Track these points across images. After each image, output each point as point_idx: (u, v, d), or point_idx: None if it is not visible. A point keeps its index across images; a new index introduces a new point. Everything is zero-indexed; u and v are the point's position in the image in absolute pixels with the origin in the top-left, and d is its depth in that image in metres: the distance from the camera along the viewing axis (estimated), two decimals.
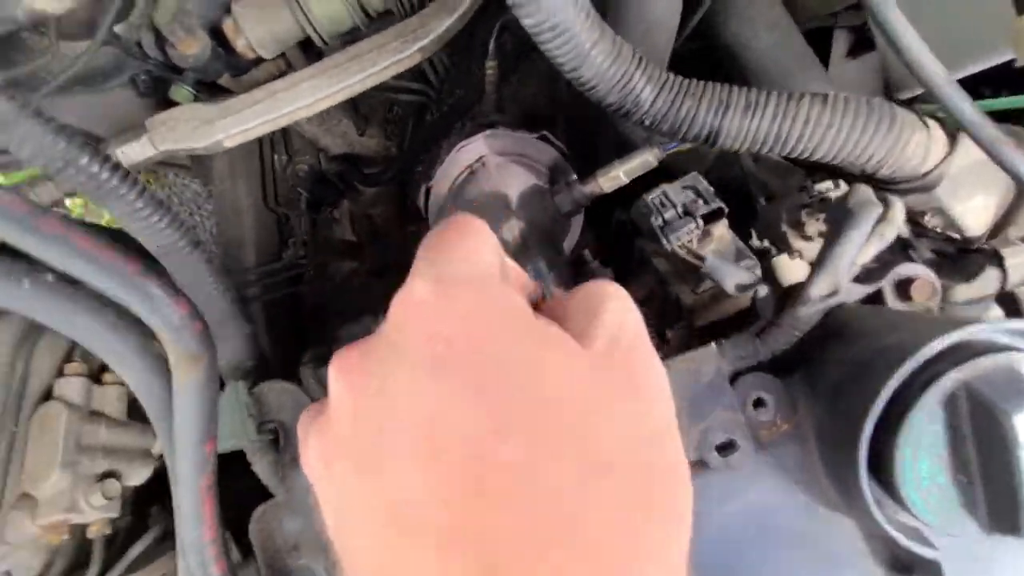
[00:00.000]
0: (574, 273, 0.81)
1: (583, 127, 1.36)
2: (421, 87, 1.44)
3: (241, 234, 1.20)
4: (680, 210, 0.52)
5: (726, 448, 0.40)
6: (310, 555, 0.42)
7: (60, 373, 0.68)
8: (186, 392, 0.37)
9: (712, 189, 0.55)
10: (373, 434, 0.25)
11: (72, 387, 0.68)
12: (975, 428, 0.33)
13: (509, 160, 0.81)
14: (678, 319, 0.55)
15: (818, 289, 0.43)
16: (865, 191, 0.45)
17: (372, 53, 0.90)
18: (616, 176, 0.73)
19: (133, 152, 0.88)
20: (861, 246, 0.43)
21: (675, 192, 0.54)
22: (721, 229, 0.53)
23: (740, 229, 0.68)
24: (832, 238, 0.43)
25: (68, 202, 2.27)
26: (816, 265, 0.44)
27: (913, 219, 0.58)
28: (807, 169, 0.70)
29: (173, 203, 2.06)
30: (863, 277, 0.50)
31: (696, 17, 0.69)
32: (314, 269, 1.72)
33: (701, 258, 0.46)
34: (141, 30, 0.92)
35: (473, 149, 0.80)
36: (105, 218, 2.21)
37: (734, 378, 0.42)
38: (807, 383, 0.42)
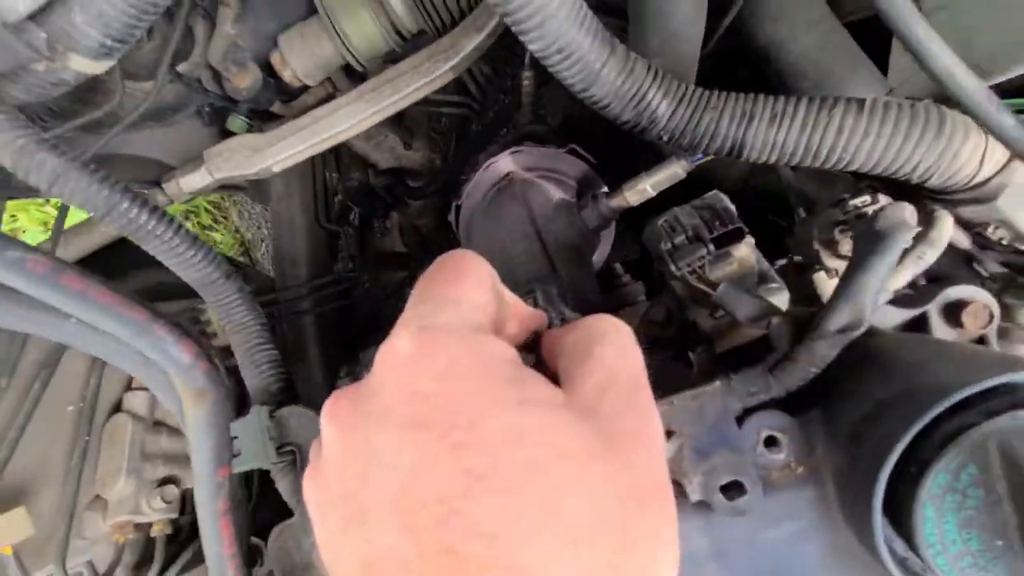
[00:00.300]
0: (604, 288, 0.80)
1: (625, 135, 1.33)
2: (463, 99, 1.47)
3: (295, 250, 1.28)
4: (690, 234, 0.49)
5: (732, 490, 0.37)
6: (323, 574, 0.45)
7: (128, 387, 0.76)
8: (196, 424, 0.40)
9: (733, 208, 0.52)
10: (358, 485, 0.26)
11: (138, 400, 0.75)
12: (1012, 488, 0.29)
13: (536, 176, 0.81)
14: (699, 342, 0.52)
15: (836, 322, 0.39)
16: (897, 211, 0.41)
17: (406, 75, 0.92)
18: (643, 189, 0.71)
19: (193, 181, 0.96)
20: (887, 275, 0.39)
21: (685, 215, 0.51)
22: (744, 250, 0.50)
23: (778, 242, 0.64)
24: (855, 264, 0.39)
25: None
26: (835, 294, 0.40)
27: (976, 230, 0.52)
28: (854, 176, 0.65)
29: (243, 216, 2.22)
30: (905, 300, 0.45)
31: (727, 20, 0.65)
32: (368, 281, 1.80)
33: (714, 285, 0.44)
34: (200, 68, 1.00)
35: (500, 167, 0.81)
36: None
37: (747, 414, 0.39)
38: (827, 421, 0.39)
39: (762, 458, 0.38)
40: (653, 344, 0.55)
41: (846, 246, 0.48)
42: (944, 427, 0.31)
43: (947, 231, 0.45)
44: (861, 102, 0.48)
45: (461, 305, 0.30)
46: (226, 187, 1.35)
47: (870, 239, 0.39)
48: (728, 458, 0.37)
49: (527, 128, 1.18)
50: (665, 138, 0.55)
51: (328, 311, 1.26)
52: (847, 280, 0.39)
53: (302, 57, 0.98)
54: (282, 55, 0.97)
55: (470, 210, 0.83)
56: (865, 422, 0.36)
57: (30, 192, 1.10)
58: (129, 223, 0.44)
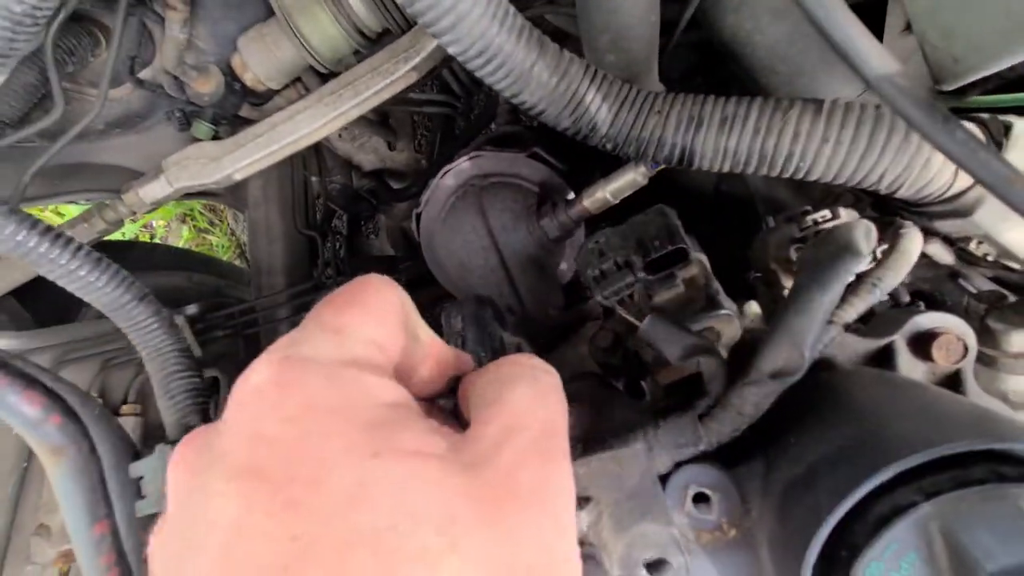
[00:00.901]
0: (570, 301, 0.75)
1: None
2: (445, 99, 1.42)
3: (272, 258, 1.25)
4: (619, 260, 0.45)
5: (656, 567, 0.33)
6: None
7: None
8: (58, 483, 0.37)
9: (677, 224, 0.47)
10: (182, 541, 0.23)
11: None
12: None
13: (495, 181, 0.76)
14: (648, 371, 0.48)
15: (770, 364, 0.34)
16: (844, 233, 0.36)
17: (365, 77, 0.88)
18: (602, 197, 0.66)
19: (153, 191, 0.93)
20: (828, 310, 0.34)
21: (618, 236, 0.46)
22: (693, 270, 0.45)
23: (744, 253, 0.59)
24: (794, 297, 0.34)
25: (154, 223, 2.49)
26: (770, 331, 0.35)
27: (959, 245, 0.46)
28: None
29: (239, 220, 2.21)
30: (871, 328, 0.40)
31: (687, 13, 0.59)
32: None
33: (642, 316, 0.39)
34: (162, 74, 0.97)
35: (459, 172, 0.77)
36: (184, 237, 2.42)
37: (676, 467, 0.34)
38: (765, 475, 0.34)
39: (690, 518, 0.33)
40: (604, 370, 0.51)
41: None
42: (878, 506, 0.26)
43: (911, 253, 0.39)
44: (819, 104, 0.43)
45: (343, 336, 0.26)
46: (199, 194, 1.32)
47: (812, 268, 0.34)
48: (650, 530, 0.32)
49: (503, 129, 1.13)
50: (609, 146, 0.50)
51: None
52: (783, 317, 0.34)
53: (263, 60, 0.94)
54: (242, 58, 0.94)
55: (430, 219, 0.79)
56: (798, 486, 0.31)
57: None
58: (17, 246, 0.41)
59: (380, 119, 1.53)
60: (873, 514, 0.26)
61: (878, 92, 0.33)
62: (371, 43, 0.94)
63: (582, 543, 0.34)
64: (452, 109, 1.45)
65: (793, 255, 0.45)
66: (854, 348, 0.39)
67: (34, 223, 0.43)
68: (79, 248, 0.45)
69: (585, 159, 0.85)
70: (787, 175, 0.45)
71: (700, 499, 0.34)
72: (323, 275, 1.29)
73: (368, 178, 1.55)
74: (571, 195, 0.78)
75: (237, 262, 2.25)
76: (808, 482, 0.30)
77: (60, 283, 0.45)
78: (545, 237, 0.73)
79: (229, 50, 0.97)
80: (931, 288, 0.49)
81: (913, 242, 0.40)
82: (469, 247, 0.72)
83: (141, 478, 0.44)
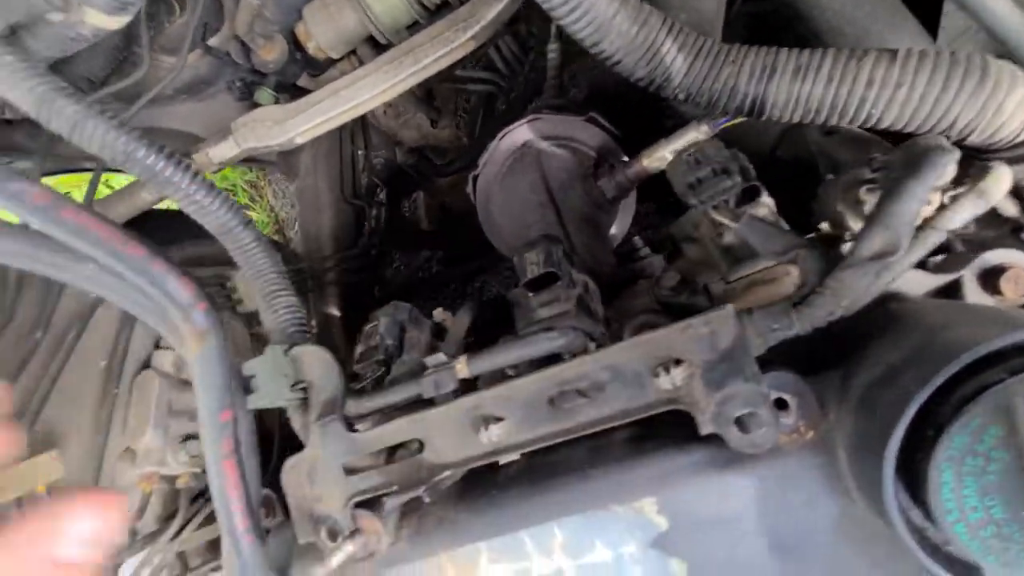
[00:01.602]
0: (621, 261, 0.78)
1: (653, 106, 1.29)
2: (490, 76, 1.45)
3: (321, 225, 1.30)
4: (716, 167, 0.46)
5: (747, 422, 0.35)
6: (330, 504, 0.46)
7: (157, 346, 0.79)
8: (198, 364, 0.41)
9: (751, 168, 0.49)
10: None
11: (166, 358, 0.78)
12: None
13: (554, 144, 0.79)
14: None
15: (869, 247, 0.36)
16: (933, 137, 0.37)
17: (425, 46, 0.91)
18: (662, 156, 0.68)
19: (221, 151, 0.98)
20: (923, 197, 0.35)
21: (711, 148, 0.48)
22: (763, 211, 0.47)
23: (805, 219, 0.61)
24: (890, 189, 0.36)
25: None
26: (869, 220, 0.37)
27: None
28: (890, 138, 0.61)
29: (279, 196, 2.27)
30: (938, 265, 0.41)
31: None
32: (398, 258, 1.82)
33: (736, 218, 0.41)
34: (230, 41, 1.02)
35: (517, 135, 0.79)
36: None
37: (764, 366, 0.36)
38: (841, 385, 0.36)
39: None
40: (667, 311, 0.53)
41: (872, 206, 0.45)
42: (964, 386, 0.28)
43: (1002, 183, 0.40)
44: (893, 52, 0.45)
45: None
46: (256, 160, 1.38)
47: (905, 164, 0.35)
48: (743, 389, 0.35)
49: (552, 102, 1.16)
50: (681, 96, 0.52)
51: (353, 282, 1.28)
52: (881, 205, 0.36)
53: (326, 29, 0.98)
54: (306, 26, 0.98)
55: (487, 180, 0.82)
56: (878, 385, 0.33)
57: (71, 164, 1.15)
58: (146, 170, 0.46)
59: (424, 96, 1.56)
60: (957, 396, 0.29)
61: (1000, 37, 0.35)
62: (429, 13, 0.97)
63: (677, 399, 0.37)
64: (495, 87, 1.48)
65: (864, 196, 0.46)
66: (922, 283, 0.41)
67: (161, 148, 0.48)
68: (196, 174, 0.49)
69: (632, 133, 0.88)
70: (858, 123, 0.47)
71: (778, 406, 0.37)
72: (371, 243, 1.33)
73: (411, 154, 1.59)
74: (624, 159, 0.80)
75: (276, 237, 2.31)
76: (889, 379, 0.32)
77: (179, 205, 0.50)
78: (601, 197, 0.75)
79: (293, 19, 1.01)
80: (991, 241, 0.51)
81: (1003, 173, 0.41)
82: (527, 204, 0.75)
83: (252, 376, 0.49)
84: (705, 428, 0.36)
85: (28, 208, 0.35)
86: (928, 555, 0.31)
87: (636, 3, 0.48)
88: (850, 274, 0.36)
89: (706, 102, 0.52)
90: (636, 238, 0.79)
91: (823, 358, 0.39)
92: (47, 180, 1.11)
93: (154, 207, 1.07)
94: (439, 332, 0.62)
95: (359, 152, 1.49)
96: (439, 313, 0.62)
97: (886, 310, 0.38)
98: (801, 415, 0.36)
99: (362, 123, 1.53)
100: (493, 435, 0.39)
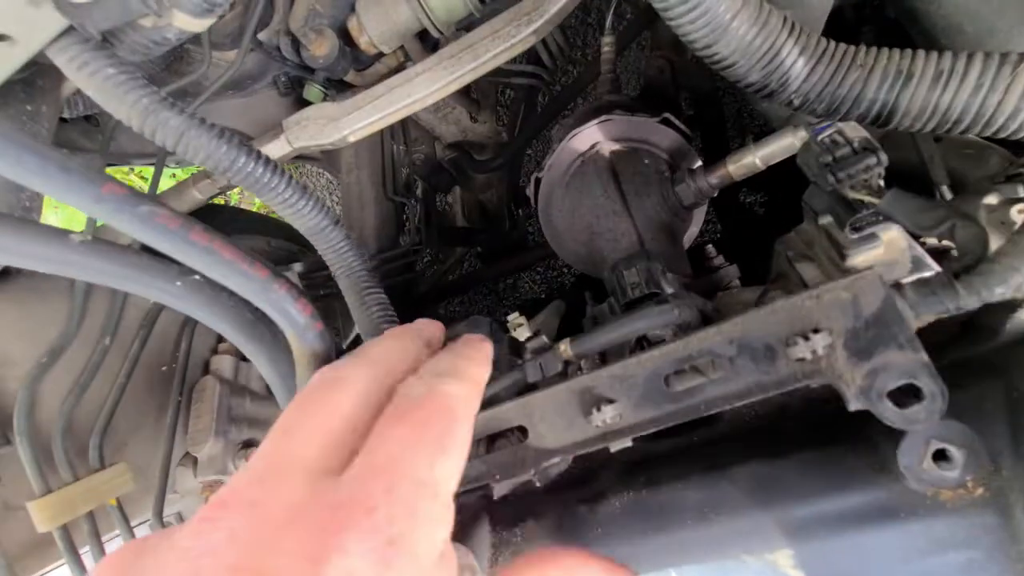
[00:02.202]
0: (695, 270, 0.74)
1: (709, 103, 1.24)
2: (534, 69, 1.41)
3: (364, 222, 1.28)
4: (856, 146, 0.42)
5: (904, 396, 0.31)
6: None
7: (214, 350, 0.78)
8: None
9: (868, 136, 0.45)
10: None
11: (224, 363, 0.77)
12: None
13: (626, 147, 0.75)
14: None
15: None
16: None
17: (485, 41, 0.88)
18: (750, 163, 0.64)
19: (272, 150, 0.96)
20: None
21: (852, 129, 0.44)
22: (893, 232, 0.43)
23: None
24: None
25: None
26: None
27: None
28: (1013, 148, 0.56)
29: (310, 188, 2.27)
30: None
31: None
32: (431, 254, 1.80)
33: (878, 195, 0.37)
34: (279, 36, 1.00)
35: (586, 136, 0.76)
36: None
37: (935, 358, 0.32)
38: (1013, 434, 0.33)
39: (930, 475, 0.32)
40: None
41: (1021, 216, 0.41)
42: None
43: None
44: None
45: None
46: (301, 157, 1.36)
47: None
48: (895, 357, 0.30)
49: (606, 98, 1.12)
50: (796, 102, 0.48)
51: (393, 283, 1.26)
52: None
53: (379, 23, 0.95)
54: (359, 21, 0.95)
55: (551, 183, 0.79)
56: None
57: (121, 162, 1.14)
58: (247, 176, 0.45)
59: (464, 90, 1.53)
60: None
61: None
62: (484, 7, 0.93)
63: (817, 372, 0.32)
64: (539, 79, 1.44)
65: (1016, 216, 0.42)
66: None
67: (258, 155, 0.46)
68: (291, 178, 0.48)
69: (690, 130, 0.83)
70: (1004, 134, 0.42)
71: (939, 457, 0.33)
72: (412, 240, 1.31)
73: (450, 150, 1.56)
74: (698, 162, 0.76)
75: None
76: None
77: (276, 209, 0.49)
78: (678, 204, 0.71)
79: (344, 13, 0.99)
80: None
81: None
82: (598, 210, 0.71)
83: None
84: (853, 404, 0.31)
85: (157, 230, 0.33)
86: None
87: (756, 2, 0.44)
88: None
89: (823, 110, 0.48)
90: (709, 246, 0.75)
91: (980, 406, 0.35)
92: None
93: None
94: (515, 347, 0.59)
95: (400, 148, 1.47)
96: (515, 318, 0.59)
97: None
98: (968, 469, 0.33)
99: (402, 120, 1.51)
100: (606, 416, 0.35)
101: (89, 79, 0.41)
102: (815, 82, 0.46)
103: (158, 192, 1.02)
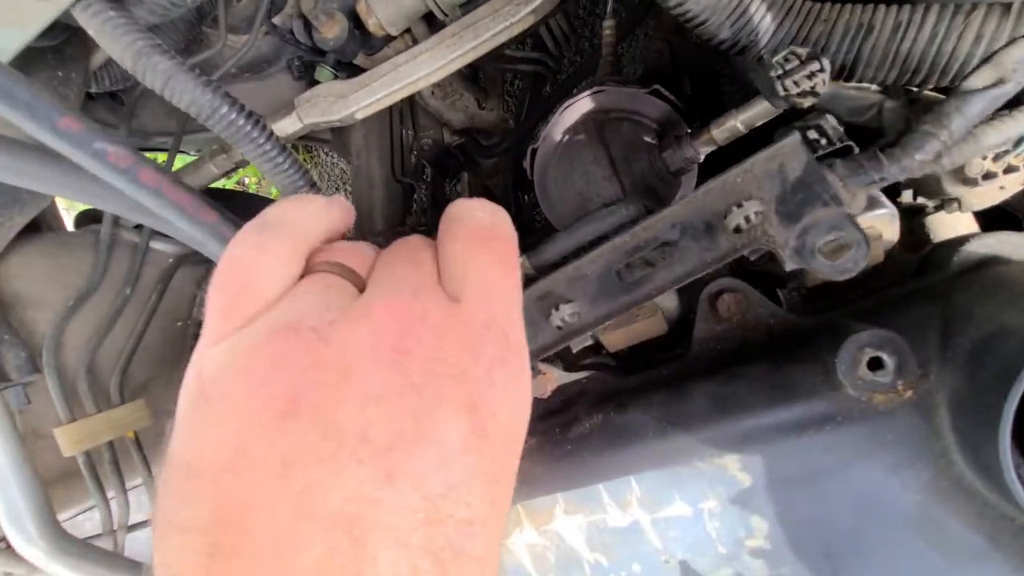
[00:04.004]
0: None
1: (709, 85, 1.26)
2: (540, 56, 1.45)
3: (372, 202, 1.33)
4: (804, 56, 0.44)
5: (833, 249, 0.33)
6: None
7: None
8: None
9: (841, 129, 0.48)
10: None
11: None
12: None
13: (617, 117, 0.78)
14: (791, 277, 0.49)
15: (976, 80, 0.33)
16: None
17: (486, 20, 0.92)
18: (732, 127, 0.66)
19: (284, 126, 1.01)
20: None
21: (803, 51, 0.46)
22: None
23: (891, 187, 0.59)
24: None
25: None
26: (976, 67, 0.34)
27: None
28: None
29: (324, 179, 2.33)
30: None
31: None
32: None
33: (817, 95, 0.39)
34: (292, 19, 1.05)
35: (578, 108, 0.79)
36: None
37: (848, 334, 0.35)
38: (943, 344, 0.35)
39: (864, 382, 0.35)
40: (742, 277, 0.52)
41: (976, 167, 0.43)
42: None
43: None
44: (1007, 5, 0.42)
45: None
46: (311, 138, 1.42)
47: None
48: (822, 214, 0.33)
49: (611, 78, 1.15)
50: (767, 58, 0.51)
51: None
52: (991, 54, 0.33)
53: (386, 5, 1.00)
54: (367, 3, 1.00)
55: (546, 153, 0.82)
56: (990, 339, 0.32)
57: (145, 142, 1.20)
58: (228, 125, 0.49)
59: (472, 77, 1.57)
60: None
61: None
62: None
63: (754, 240, 0.36)
64: (544, 67, 1.47)
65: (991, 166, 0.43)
66: None
67: (242, 107, 0.50)
68: (271, 134, 0.52)
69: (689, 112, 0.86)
70: (960, 81, 0.45)
71: (874, 365, 0.36)
72: (419, 222, 1.36)
73: (457, 135, 1.60)
74: (688, 131, 0.79)
75: None
76: (1001, 336, 0.31)
77: (255, 162, 0.52)
78: (665, 169, 0.74)
79: None
80: None
81: None
82: (589, 177, 0.75)
83: None
84: (789, 263, 0.34)
85: (107, 167, 0.36)
86: None
87: None
88: (951, 103, 0.33)
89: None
90: None
91: (918, 323, 0.37)
92: None
93: (210, 187, 1.12)
94: None
95: (408, 132, 1.52)
96: None
97: (991, 273, 0.37)
98: (900, 374, 0.35)
99: (411, 105, 1.55)
100: (565, 315, 0.38)
101: (92, 20, 0.46)
102: (783, 37, 0.49)
103: (175, 168, 1.08)
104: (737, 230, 0.36)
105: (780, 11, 0.48)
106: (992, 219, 0.53)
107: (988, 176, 0.42)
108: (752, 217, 0.35)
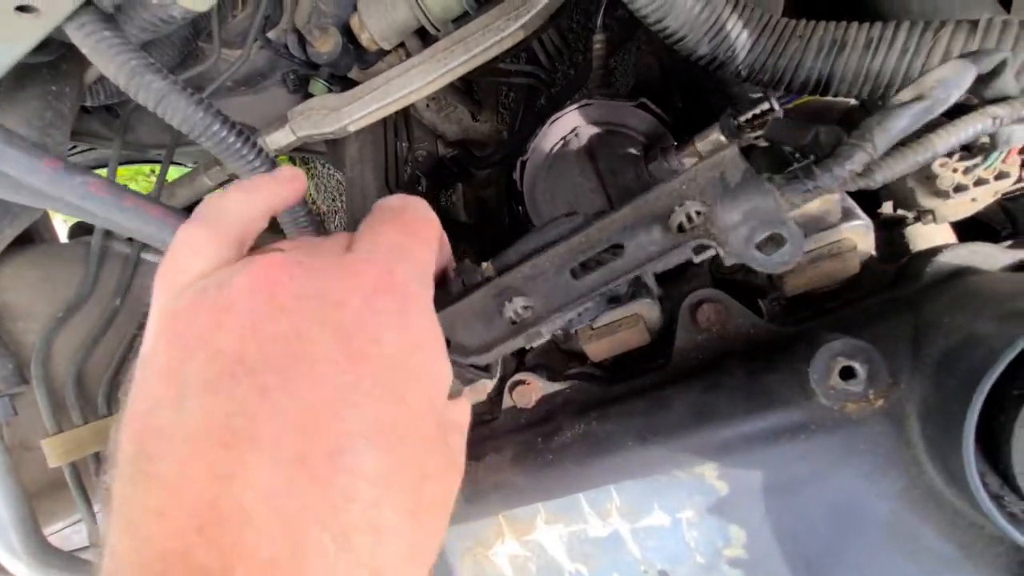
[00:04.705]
0: None
1: (698, 98, 1.28)
2: (533, 69, 1.47)
3: (365, 212, 1.33)
4: (757, 95, 0.45)
5: (769, 244, 0.34)
6: None
7: None
8: None
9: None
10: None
11: None
12: None
13: (604, 130, 0.79)
14: (771, 288, 0.50)
15: (899, 97, 0.35)
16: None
17: (477, 34, 0.93)
18: (716, 139, 0.68)
19: (277, 139, 1.02)
20: (965, 67, 0.34)
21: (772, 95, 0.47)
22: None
23: (872, 201, 0.60)
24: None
25: None
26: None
27: None
28: None
29: (320, 190, 2.35)
30: (1017, 241, 0.40)
31: None
32: None
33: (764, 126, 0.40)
34: (287, 34, 1.06)
35: (567, 121, 0.80)
36: None
37: (820, 344, 0.36)
38: (913, 354, 0.36)
39: (836, 391, 0.35)
40: (722, 288, 0.53)
41: (946, 179, 0.44)
42: None
43: None
44: (974, 22, 0.43)
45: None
46: (307, 150, 1.43)
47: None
48: (758, 213, 0.34)
49: (600, 91, 1.16)
50: (744, 73, 0.52)
51: None
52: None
53: (379, 20, 1.01)
54: (360, 18, 1.01)
55: (535, 166, 0.83)
56: (959, 349, 0.33)
57: (140, 154, 1.21)
58: (220, 142, 0.49)
59: (466, 90, 1.59)
60: None
61: None
62: (479, 5, 0.99)
63: (696, 237, 0.37)
64: (538, 80, 1.49)
65: (936, 169, 0.45)
66: (998, 259, 0.40)
67: (233, 125, 0.51)
68: (261, 152, 0.52)
69: (678, 125, 0.87)
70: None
71: (846, 375, 0.36)
72: None
73: (452, 147, 1.62)
74: (674, 143, 0.80)
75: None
76: (969, 345, 0.32)
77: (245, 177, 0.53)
78: (652, 181, 0.75)
79: (347, 12, 1.05)
80: None
81: None
82: (576, 190, 0.76)
83: None
84: (728, 259, 0.35)
85: (90, 198, 0.37)
86: (1008, 522, 0.30)
87: None
88: (873, 119, 0.35)
89: (768, 80, 0.52)
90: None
91: (891, 333, 0.38)
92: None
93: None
94: None
95: (402, 144, 1.53)
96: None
97: (962, 283, 0.37)
98: (871, 383, 0.36)
99: (405, 117, 1.57)
100: (518, 307, 0.39)
101: (87, 39, 0.47)
102: (759, 53, 0.50)
103: (168, 180, 1.08)
104: (680, 228, 0.37)
105: (756, 28, 0.49)
106: (969, 230, 0.54)
107: (959, 188, 0.43)
108: (694, 216, 0.36)
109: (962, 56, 0.35)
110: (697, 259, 0.38)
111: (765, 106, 0.43)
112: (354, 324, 0.26)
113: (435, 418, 0.27)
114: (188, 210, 0.36)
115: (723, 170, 0.36)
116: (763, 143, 0.46)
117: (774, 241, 0.34)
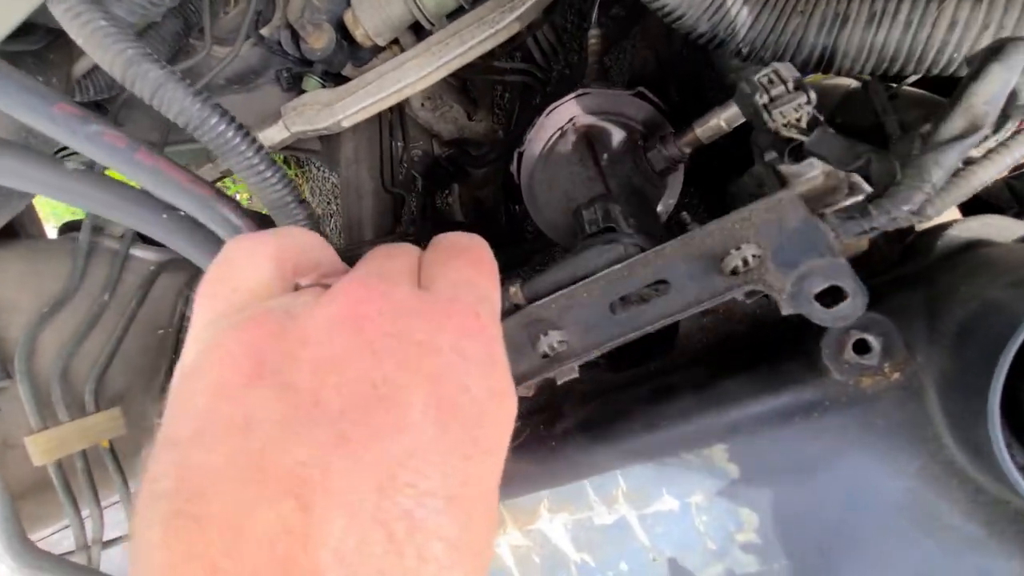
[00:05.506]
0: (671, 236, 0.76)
1: (695, 92, 1.27)
2: (528, 67, 1.46)
3: (361, 212, 1.32)
4: (791, 86, 0.44)
5: (829, 297, 0.33)
6: None
7: None
8: None
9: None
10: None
11: None
12: None
13: (601, 120, 0.78)
14: None
15: (949, 130, 0.34)
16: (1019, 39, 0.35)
17: (471, 27, 0.93)
18: (716, 125, 0.67)
19: (271, 134, 1.01)
20: (1008, 81, 0.33)
21: (787, 69, 0.46)
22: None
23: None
24: (971, 74, 0.34)
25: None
26: (948, 105, 0.35)
27: None
28: None
29: (315, 193, 2.33)
30: None
31: None
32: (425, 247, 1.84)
33: (809, 131, 0.39)
34: (280, 30, 1.05)
35: (564, 111, 0.79)
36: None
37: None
38: (929, 326, 0.34)
39: (851, 364, 0.34)
40: None
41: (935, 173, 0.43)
42: None
43: None
44: None
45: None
46: (300, 149, 1.42)
47: (987, 53, 0.34)
48: (819, 263, 0.33)
49: (593, 83, 1.15)
50: (745, 51, 0.51)
51: None
52: (962, 89, 0.34)
53: (373, 16, 1.00)
54: (354, 14, 1.01)
55: (532, 156, 0.82)
56: (977, 317, 0.32)
57: None
58: (217, 137, 0.48)
59: (461, 88, 1.58)
60: None
61: None
62: (474, 1, 0.98)
63: (749, 283, 0.36)
64: (533, 78, 1.49)
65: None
66: (1014, 231, 0.39)
67: (231, 119, 0.50)
68: (260, 147, 0.51)
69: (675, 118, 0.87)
70: (936, 70, 0.45)
71: (860, 348, 0.35)
72: (407, 231, 1.35)
73: (447, 147, 1.61)
74: (670, 131, 0.79)
75: None
76: (989, 312, 0.31)
77: (242, 175, 0.51)
78: (650, 169, 0.74)
79: (341, 7, 1.04)
80: None
81: None
82: (574, 179, 0.75)
83: None
84: (785, 308, 0.34)
85: (105, 149, 0.36)
86: None
87: None
88: (928, 159, 0.34)
89: (769, 57, 0.51)
90: (683, 213, 0.77)
91: (903, 306, 0.37)
92: None
93: None
94: None
95: (398, 144, 1.52)
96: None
97: (975, 255, 0.36)
98: (886, 355, 0.34)
99: (400, 116, 1.56)
100: (552, 341, 0.37)
101: (80, 28, 0.45)
102: (760, 29, 0.49)
103: None
104: (734, 272, 0.36)
105: (756, 4, 0.49)
106: (974, 210, 0.53)
107: (968, 161, 0.42)
108: (750, 260, 0.35)
109: (992, 58, 0.34)
110: (748, 301, 0.37)
111: (802, 99, 0.42)
112: (443, 369, 0.24)
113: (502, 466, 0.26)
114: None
115: (780, 213, 0.35)
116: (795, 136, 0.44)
117: (833, 292, 0.33)
